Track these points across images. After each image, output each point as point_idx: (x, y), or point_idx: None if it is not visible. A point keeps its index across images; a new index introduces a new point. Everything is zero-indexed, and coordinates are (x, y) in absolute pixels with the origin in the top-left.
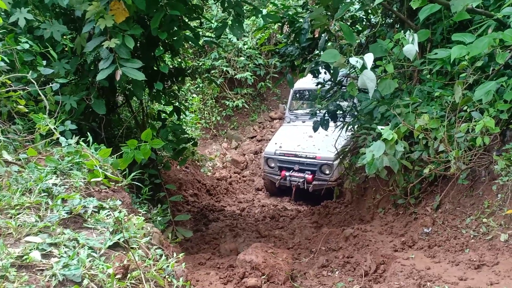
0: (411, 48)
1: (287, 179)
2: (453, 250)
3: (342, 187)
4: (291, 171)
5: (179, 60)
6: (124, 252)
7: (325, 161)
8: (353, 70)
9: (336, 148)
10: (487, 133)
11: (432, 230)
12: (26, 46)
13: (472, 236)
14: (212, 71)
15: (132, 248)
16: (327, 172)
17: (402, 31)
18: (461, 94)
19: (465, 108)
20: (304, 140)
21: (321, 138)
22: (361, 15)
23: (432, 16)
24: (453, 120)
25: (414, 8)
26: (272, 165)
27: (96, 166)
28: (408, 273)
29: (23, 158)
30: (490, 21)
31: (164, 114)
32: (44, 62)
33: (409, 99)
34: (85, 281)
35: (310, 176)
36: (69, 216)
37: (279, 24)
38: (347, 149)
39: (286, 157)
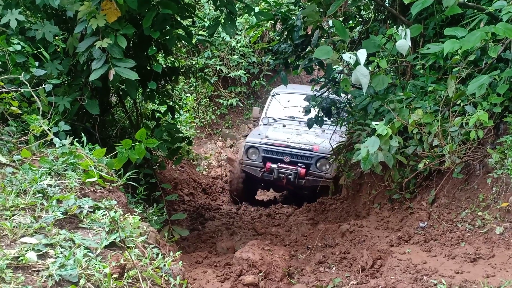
0: (403, 43)
1: (274, 171)
2: (449, 244)
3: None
4: (279, 163)
5: (172, 59)
6: (121, 252)
7: (324, 154)
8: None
9: (331, 145)
10: (480, 126)
11: (428, 224)
12: (18, 47)
13: (467, 229)
14: (206, 70)
15: (128, 247)
16: (325, 167)
17: (395, 26)
18: (454, 88)
19: (458, 102)
20: (293, 135)
21: (312, 135)
22: (353, 11)
23: (424, 11)
24: (447, 114)
25: (406, 3)
26: (254, 156)
27: (90, 166)
28: (404, 267)
29: (17, 160)
30: (482, 15)
31: (158, 114)
32: (37, 63)
33: (402, 94)
34: (82, 281)
35: (304, 170)
36: (65, 216)
37: (271, 21)
38: (342, 145)
39: (275, 147)
